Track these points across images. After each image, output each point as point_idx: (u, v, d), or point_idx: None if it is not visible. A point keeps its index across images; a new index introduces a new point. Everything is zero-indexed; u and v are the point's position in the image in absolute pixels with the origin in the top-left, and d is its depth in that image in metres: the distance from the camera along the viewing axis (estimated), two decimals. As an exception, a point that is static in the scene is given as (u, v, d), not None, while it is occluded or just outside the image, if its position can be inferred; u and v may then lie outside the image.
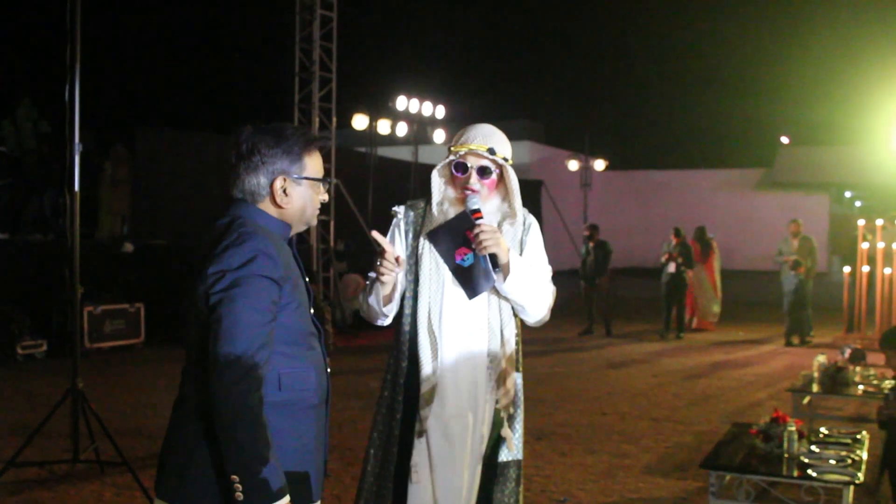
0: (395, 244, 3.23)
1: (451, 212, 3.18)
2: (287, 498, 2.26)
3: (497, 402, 3.16)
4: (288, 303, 2.36)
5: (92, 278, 10.78)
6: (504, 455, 3.19)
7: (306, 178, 2.47)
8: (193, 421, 2.34)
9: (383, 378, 3.27)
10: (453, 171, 3.17)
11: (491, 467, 3.18)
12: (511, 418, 3.19)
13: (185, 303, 2.41)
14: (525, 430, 7.24)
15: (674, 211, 32.65)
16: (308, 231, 15.77)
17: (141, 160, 15.34)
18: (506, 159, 3.18)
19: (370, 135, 17.13)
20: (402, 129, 17.58)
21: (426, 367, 3.09)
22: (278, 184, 2.42)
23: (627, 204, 36.31)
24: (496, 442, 3.19)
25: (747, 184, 36.14)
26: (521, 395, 3.26)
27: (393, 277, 3.11)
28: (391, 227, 3.30)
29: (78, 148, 5.80)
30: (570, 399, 9.04)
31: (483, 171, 3.14)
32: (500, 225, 3.21)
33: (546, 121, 39.63)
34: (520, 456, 3.23)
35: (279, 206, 2.45)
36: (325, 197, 2.60)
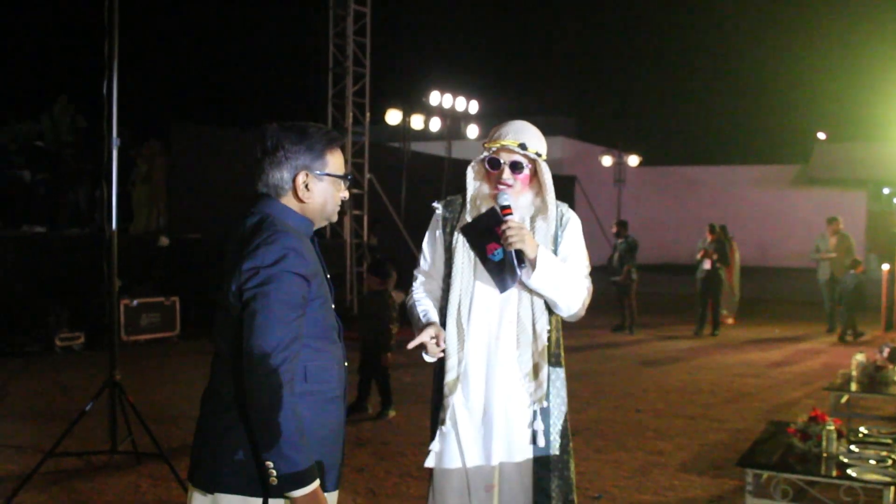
0: (435, 242, 3.33)
1: (485, 207, 3.22)
2: (317, 482, 2.38)
3: (530, 394, 3.18)
4: (315, 298, 2.47)
5: (128, 272, 10.88)
6: (539, 450, 3.19)
7: (328, 175, 2.56)
8: (225, 410, 2.46)
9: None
10: (486, 167, 3.21)
11: (537, 462, 3.20)
12: (545, 412, 3.19)
13: (219, 296, 2.51)
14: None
15: (708, 207, 32.45)
16: (342, 226, 15.83)
17: (176, 155, 15.46)
18: (539, 154, 3.20)
19: (403, 130, 17.15)
20: (435, 125, 17.58)
21: (451, 358, 3.17)
22: (301, 179, 2.52)
23: (661, 200, 36.09)
24: (534, 436, 3.20)
25: (783, 180, 35.80)
26: (561, 389, 3.28)
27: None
28: (431, 222, 3.37)
29: (115, 142, 5.84)
30: (604, 395, 9.00)
31: (515, 167, 3.17)
32: (533, 220, 3.23)
33: (580, 116, 39.48)
34: (556, 451, 3.22)
35: (301, 201, 2.55)
36: (346, 194, 2.68)
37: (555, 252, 3.24)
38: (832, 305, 14.44)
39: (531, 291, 3.17)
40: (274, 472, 2.32)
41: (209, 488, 2.45)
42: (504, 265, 3.14)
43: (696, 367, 11.07)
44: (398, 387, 8.94)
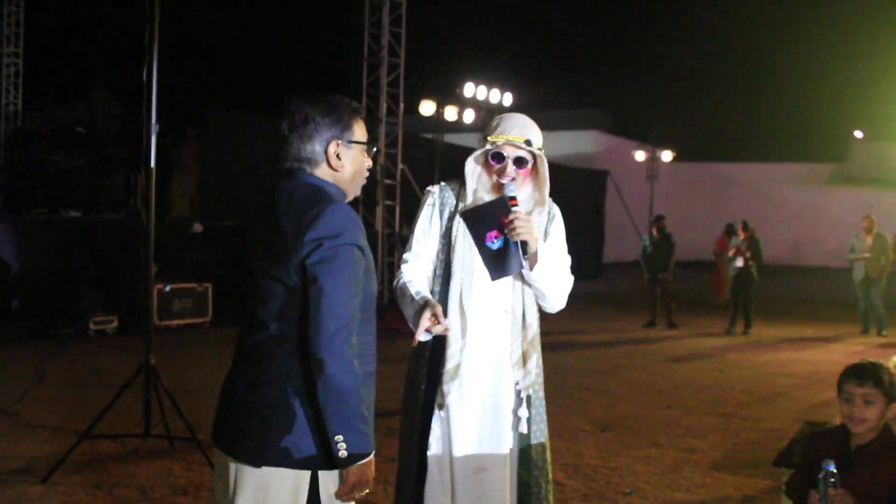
0: (430, 222, 3.32)
1: (486, 198, 3.27)
2: (374, 451, 2.45)
3: (517, 383, 3.23)
4: (367, 270, 2.51)
5: (162, 258, 10.97)
6: (523, 437, 3.26)
7: (356, 143, 2.60)
8: (271, 386, 2.46)
9: (410, 351, 3.36)
10: (490, 159, 3.24)
11: (522, 447, 3.26)
12: (530, 400, 3.26)
13: (256, 268, 2.53)
14: (589, 421, 7.19)
15: (741, 204, 32.16)
16: (374, 216, 15.85)
17: (211, 142, 15.54)
18: (540, 149, 3.25)
19: (437, 121, 17.10)
20: (469, 116, 17.52)
21: (454, 345, 3.18)
22: (332, 149, 2.56)
23: (694, 196, 35.84)
24: (519, 423, 3.26)
25: (818, 178, 35.43)
26: (541, 376, 3.34)
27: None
28: (424, 205, 3.37)
29: (155, 128, 5.88)
30: (635, 391, 8.95)
31: (519, 162, 3.22)
32: (530, 213, 3.27)
33: (613, 110, 39.23)
34: (542, 438, 3.30)
35: (334, 170, 2.58)
36: (370, 163, 2.71)
37: None
38: (867, 306, 14.28)
39: (523, 282, 3.23)
40: (344, 446, 2.36)
41: (256, 462, 2.46)
42: (501, 254, 3.17)
43: (728, 364, 10.98)
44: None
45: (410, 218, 16.46)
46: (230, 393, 2.60)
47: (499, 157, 3.21)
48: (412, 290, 3.18)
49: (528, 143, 3.19)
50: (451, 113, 17.14)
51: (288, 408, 2.44)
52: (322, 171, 2.57)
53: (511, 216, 3.07)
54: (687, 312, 15.43)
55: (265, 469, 2.46)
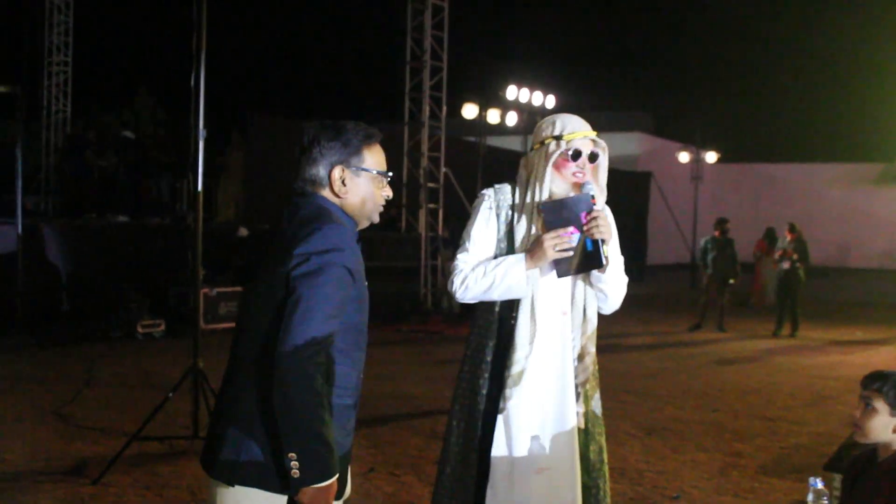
0: (487, 224, 3.28)
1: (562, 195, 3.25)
2: (336, 476, 2.36)
3: (576, 377, 3.25)
4: (354, 298, 2.47)
5: (208, 261, 11.09)
6: (583, 432, 3.26)
7: (364, 170, 2.55)
8: (249, 403, 2.43)
9: (464, 353, 3.33)
10: (569, 158, 3.20)
11: (582, 443, 3.26)
12: (587, 395, 3.27)
13: (257, 285, 2.50)
14: (634, 425, 7.16)
15: (787, 205, 31.81)
16: (417, 219, 15.90)
17: (254, 147, 15.70)
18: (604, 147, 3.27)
19: (480, 124, 17.13)
20: (511, 119, 17.52)
21: (520, 350, 3.17)
22: (336, 173, 2.52)
23: (739, 197, 35.49)
24: (595, 421, 3.29)
25: (866, 179, 34.91)
26: (597, 373, 3.36)
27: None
28: (479, 207, 3.31)
29: (202, 134, 5.95)
30: (681, 395, 8.88)
31: (593, 157, 3.22)
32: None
33: (656, 111, 38.97)
34: (599, 438, 3.31)
35: (337, 196, 2.54)
36: (389, 193, 2.66)
37: None
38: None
39: (585, 279, 3.23)
40: (296, 465, 2.30)
41: (231, 481, 2.43)
42: (575, 251, 3.13)
43: (775, 368, 10.86)
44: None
45: (454, 221, 16.51)
46: (216, 406, 2.59)
47: (577, 155, 3.19)
48: (491, 263, 3.16)
49: (598, 137, 3.23)
50: (493, 116, 17.15)
51: (264, 425, 2.40)
52: (327, 195, 2.55)
53: (594, 213, 3.07)
54: (733, 315, 15.26)
55: (238, 488, 2.43)
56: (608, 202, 3.38)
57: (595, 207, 3.09)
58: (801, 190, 35.21)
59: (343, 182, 2.53)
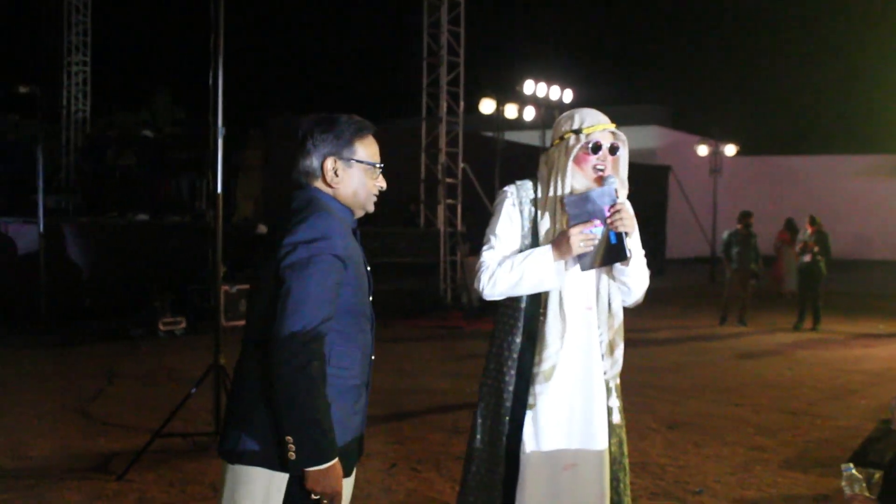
0: (511, 220, 3.27)
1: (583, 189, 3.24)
2: (336, 461, 2.45)
3: (605, 372, 3.25)
4: (349, 282, 2.53)
5: (228, 259, 11.14)
6: (613, 427, 3.27)
7: (356, 161, 2.64)
8: (252, 387, 2.54)
9: (489, 350, 3.32)
10: (589, 151, 3.19)
11: (612, 437, 3.27)
12: (617, 389, 3.30)
13: (259, 276, 2.58)
14: (656, 419, 7.12)
15: (808, 198, 31.59)
16: (435, 215, 15.90)
17: (273, 145, 15.73)
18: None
19: (497, 119, 17.11)
20: (529, 114, 17.48)
21: (551, 347, 3.16)
22: (328, 164, 2.62)
23: (759, 190, 35.29)
24: (609, 412, 3.28)
25: (887, 170, 34.61)
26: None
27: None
28: (502, 204, 3.30)
29: (221, 132, 5.97)
30: (702, 389, 8.85)
31: (613, 150, 3.21)
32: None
33: (674, 104, 38.80)
34: (619, 432, 3.31)
35: (330, 186, 2.63)
36: (383, 184, 2.73)
37: None
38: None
39: (608, 273, 3.22)
40: (293, 448, 2.39)
41: (232, 460, 2.55)
42: (599, 244, 3.12)
43: (797, 361, 10.80)
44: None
45: (472, 216, 16.51)
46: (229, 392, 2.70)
47: (597, 148, 3.19)
48: (518, 258, 3.15)
49: (617, 129, 3.23)
50: (511, 111, 17.12)
51: (260, 411, 2.49)
52: (320, 185, 2.64)
53: (617, 207, 3.07)
54: (754, 309, 15.16)
55: (239, 467, 2.54)
56: (629, 196, 3.36)
57: (617, 200, 3.09)
58: (821, 182, 34.96)
59: (335, 173, 2.62)
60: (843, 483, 2.99)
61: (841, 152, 36.68)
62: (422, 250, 15.73)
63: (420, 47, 15.96)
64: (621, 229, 3.06)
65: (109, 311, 12.00)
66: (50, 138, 17.66)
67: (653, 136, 33.17)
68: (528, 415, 3.18)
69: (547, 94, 17.49)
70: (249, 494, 2.53)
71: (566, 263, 3.16)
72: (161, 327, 11.41)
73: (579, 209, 3.13)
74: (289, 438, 2.40)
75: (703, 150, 28.93)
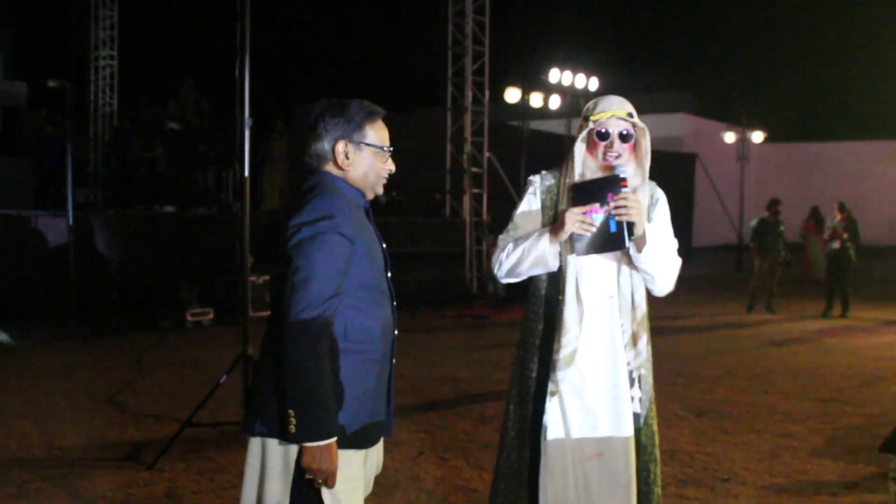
0: (530, 212, 3.32)
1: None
2: (333, 440, 2.51)
3: (629, 363, 3.23)
4: (360, 259, 2.58)
5: (254, 249, 11.19)
6: (638, 417, 3.24)
7: (366, 144, 2.69)
8: (269, 365, 2.63)
9: (518, 339, 3.36)
10: (596, 138, 3.19)
11: (638, 428, 3.25)
12: (643, 380, 3.25)
13: (273, 258, 2.64)
14: (684, 406, 7.10)
15: (836, 184, 31.30)
16: (461, 204, 15.90)
17: (298, 136, 15.79)
18: (641, 126, 3.21)
19: (523, 108, 17.06)
20: (554, 102, 17.42)
21: (570, 332, 3.17)
22: (340, 147, 2.67)
23: (787, 177, 35.00)
24: (648, 408, 3.26)
25: (917, 155, 34.22)
26: (650, 358, 3.31)
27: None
28: (526, 194, 3.37)
29: (248, 123, 5.99)
30: (730, 376, 8.80)
31: (624, 137, 3.18)
32: (635, 191, 3.20)
33: (701, 92, 38.49)
34: (651, 422, 3.28)
35: (341, 169, 2.69)
36: (392, 167, 2.79)
37: None
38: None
39: (629, 265, 3.20)
40: (294, 422, 2.47)
41: (253, 432, 2.64)
42: (598, 230, 3.10)
43: (826, 348, 10.72)
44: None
45: (497, 206, 16.51)
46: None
47: (605, 135, 3.18)
48: (521, 238, 3.22)
49: (631, 115, 3.18)
50: (536, 99, 17.08)
51: (278, 383, 2.55)
52: (330, 169, 2.70)
53: (620, 196, 3.04)
54: (782, 297, 15.05)
55: (260, 439, 2.62)
56: (660, 184, 3.34)
57: (625, 189, 3.05)
58: (850, 168, 34.62)
59: (346, 156, 2.68)
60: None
61: (869, 138, 36.25)
62: (447, 240, 15.74)
63: (445, 37, 15.94)
64: (622, 218, 3.03)
65: (138, 302, 12.11)
66: (78, 133, 17.82)
67: (679, 124, 32.93)
68: (551, 401, 3.19)
69: (572, 83, 17.42)
70: (270, 466, 2.61)
71: (577, 250, 3.15)
72: (189, 318, 11.51)
73: (582, 194, 3.14)
74: (290, 412, 2.47)
75: (730, 137, 28.75)
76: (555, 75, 17.09)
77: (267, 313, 8.92)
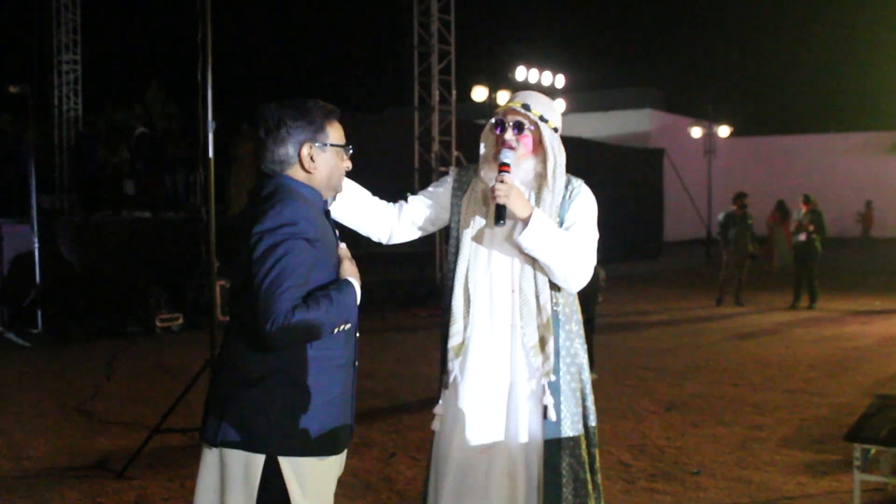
0: (433, 195, 3.41)
1: (488, 170, 3.24)
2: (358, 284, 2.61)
3: (537, 368, 3.16)
4: (322, 263, 2.56)
5: (223, 253, 11.13)
6: (550, 424, 3.14)
7: (331, 145, 2.67)
8: (229, 371, 2.60)
9: None
10: (493, 129, 3.25)
11: (547, 436, 3.15)
12: (554, 386, 3.15)
13: (237, 265, 2.61)
14: (653, 401, 7.13)
15: (803, 178, 31.62)
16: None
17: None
18: (544, 119, 3.19)
19: (490, 106, 17.08)
20: (521, 100, 17.47)
21: (457, 322, 3.20)
22: (305, 151, 2.63)
23: (754, 170, 35.33)
24: (545, 411, 3.15)
25: (882, 147, 34.62)
26: (573, 365, 3.22)
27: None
28: (438, 182, 3.48)
29: (211, 126, 5.95)
30: (699, 370, 8.87)
31: (518, 127, 3.19)
32: (540, 191, 3.21)
33: (667, 87, 38.74)
34: (577, 430, 3.18)
35: (308, 172, 2.65)
36: (349, 165, 2.77)
37: (560, 223, 3.20)
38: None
39: (534, 263, 3.16)
40: (347, 324, 2.56)
41: (213, 442, 2.58)
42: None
43: (794, 340, 10.83)
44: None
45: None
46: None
47: (499, 125, 3.21)
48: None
49: (526, 107, 3.17)
50: (503, 97, 17.09)
51: (242, 392, 2.55)
52: (294, 173, 2.65)
53: (499, 178, 3.05)
54: (750, 289, 15.18)
55: (221, 450, 2.58)
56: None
57: (502, 174, 3.06)
58: (816, 161, 34.98)
59: (311, 158, 2.64)
60: None
61: (835, 131, 36.66)
62: (417, 239, 15.71)
63: (411, 36, 15.92)
64: (495, 200, 3.05)
65: (106, 308, 11.99)
66: (42, 138, 17.62)
67: (646, 119, 33.11)
68: (443, 393, 3.22)
69: (539, 80, 17.50)
70: (230, 477, 2.56)
71: (483, 239, 3.21)
72: (158, 324, 11.41)
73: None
74: (344, 326, 2.54)
75: (696, 131, 28.95)
76: (521, 73, 17.15)
77: (235, 317, 8.68)
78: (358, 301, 2.60)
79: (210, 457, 2.61)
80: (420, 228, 3.44)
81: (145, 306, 11.55)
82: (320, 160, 2.65)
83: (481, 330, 3.19)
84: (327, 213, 2.75)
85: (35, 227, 11.40)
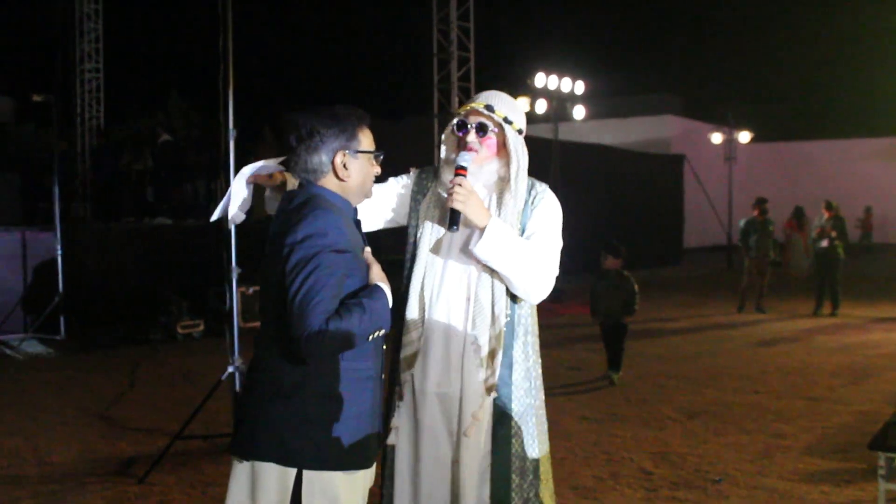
0: (392, 190, 3.29)
1: (448, 174, 3.12)
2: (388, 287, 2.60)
3: (483, 381, 3.05)
4: (354, 273, 2.55)
5: (245, 260, 11.17)
6: (496, 440, 3.06)
7: (362, 152, 2.66)
8: (263, 385, 2.58)
9: None
10: (455, 130, 3.15)
11: (494, 450, 3.07)
12: (501, 402, 3.05)
13: (266, 272, 2.61)
14: (675, 408, 7.09)
15: (824, 184, 31.41)
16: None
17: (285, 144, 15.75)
18: (508, 121, 3.10)
19: (509, 113, 17.08)
20: (541, 107, 17.44)
21: (411, 332, 3.10)
22: (339, 159, 2.61)
23: (775, 176, 35.12)
24: (508, 431, 3.07)
25: (904, 152, 34.36)
26: (526, 381, 3.12)
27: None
28: (399, 178, 3.34)
29: (232, 133, 5.99)
30: (721, 377, 8.81)
31: (480, 129, 3.10)
32: (501, 196, 3.12)
33: (687, 93, 38.59)
34: (516, 445, 3.08)
35: (341, 180, 2.64)
36: (378, 170, 2.76)
37: (522, 230, 3.10)
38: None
39: (492, 272, 3.05)
40: (381, 330, 2.52)
41: (245, 456, 2.56)
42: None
43: (816, 347, 10.74)
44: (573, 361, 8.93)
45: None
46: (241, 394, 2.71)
47: (462, 126, 3.11)
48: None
49: (490, 108, 3.07)
50: (523, 104, 17.07)
51: (275, 406, 2.53)
52: (327, 181, 2.63)
53: (455, 181, 2.96)
54: (772, 297, 15.08)
55: (254, 463, 2.56)
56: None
57: (458, 178, 2.97)
58: (838, 167, 34.75)
59: (345, 166, 2.62)
60: None
61: (856, 136, 36.40)
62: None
63: (430, 43, 15.95)
64: (449, 204, 2.96)
65: (128, 316, 12.06)
66: (66, 146, 17.74)
67: (666, 126, 32.99)
68: (397, 406, 3.11)
69: (558, 87, 17.45)
70: (263, 490, 2.54)
71: (442, 246, 3.11)
72: (179, 330, 11.46)
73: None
74: (378, 332, 2.52)
75: (717, 137, 28.81)
76: (541, 79, 17.12)
77: (258, 324, 8.82)
78: (390, 305, 2.57)
79: (241, 470, 2.59)
80: (374, 226, 3.32)
81: (167, 313, 11.61)
82: (353, 167, 2.64)
83: (436, 340, 3.06)
84: (357, 222, 2.72)
85: (58, 235, 11.49)
